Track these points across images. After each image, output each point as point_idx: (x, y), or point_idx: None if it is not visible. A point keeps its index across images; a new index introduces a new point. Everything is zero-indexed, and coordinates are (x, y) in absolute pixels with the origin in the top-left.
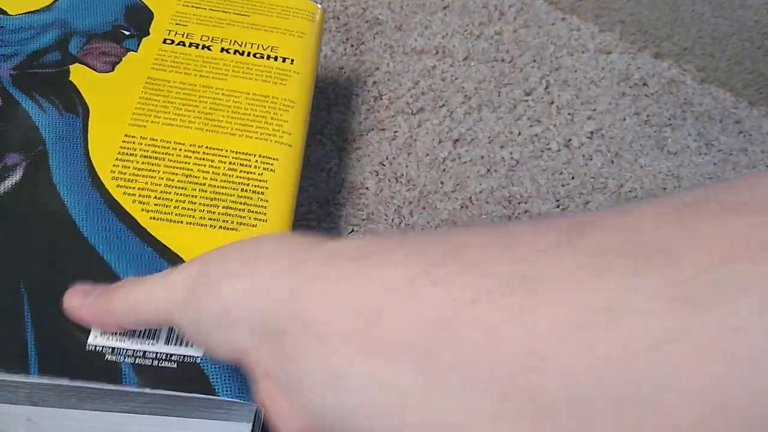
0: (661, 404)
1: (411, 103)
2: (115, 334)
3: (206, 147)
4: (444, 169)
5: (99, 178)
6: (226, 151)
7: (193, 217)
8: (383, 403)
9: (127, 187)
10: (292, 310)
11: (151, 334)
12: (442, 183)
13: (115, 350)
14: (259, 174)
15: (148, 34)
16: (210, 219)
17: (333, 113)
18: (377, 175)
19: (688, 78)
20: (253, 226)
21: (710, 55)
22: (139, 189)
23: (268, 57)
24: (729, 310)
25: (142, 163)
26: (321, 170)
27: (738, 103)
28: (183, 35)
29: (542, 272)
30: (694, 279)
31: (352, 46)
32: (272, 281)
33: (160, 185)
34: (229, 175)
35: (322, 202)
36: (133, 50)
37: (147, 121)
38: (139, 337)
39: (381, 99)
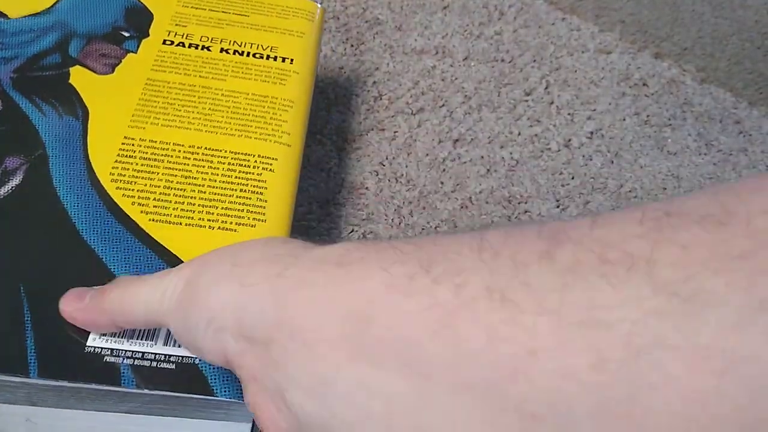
0: (658, 406)
1: (411, 103)
2: (114, 335)
3: (205, 148)
4: (444, 169)
5: (98, 180)
6: (226, 151)
7: (192, 218)
8: (370, 409)
9: (126, 189)
10: (279, 317)
11: (149, 335)
12: (442, 183)
13: (114, 351)
14: (258, 174)
15: (148, 35)
16: (209, 220)
17: (333, 113)
18: (377, 175)
19: (688, 78)
20: (252, 226)
21: (710, 55)
22: (138, 191)
23: (268, 57)
24: (712, 317)
25: (142, 164)
26: (321, 170)
27: (738, 103)
28: (183, 36)
29: (525, 283)
30: (676, 289)
31: (352, 46)
32: (259, 288)
33: (159, 187)
34: (228, 176)
35: (322, 202)
36: (132, 52)
37: (146, 122)
38: (137, 338)
39: (381, 99)
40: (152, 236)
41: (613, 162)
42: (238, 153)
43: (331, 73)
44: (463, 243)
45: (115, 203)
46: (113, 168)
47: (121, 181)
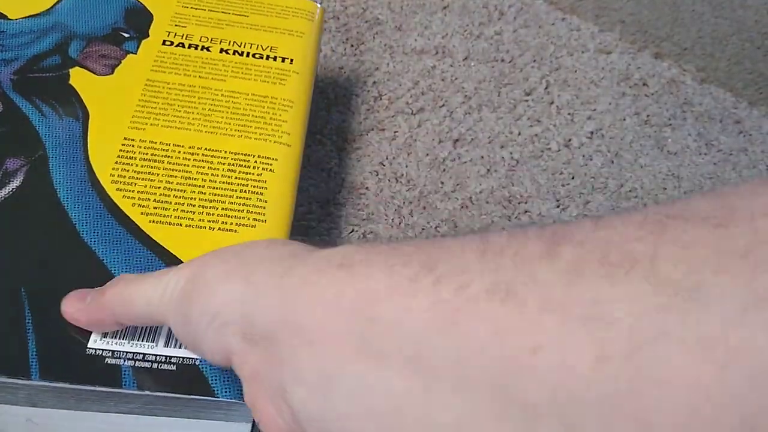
0: (661, 399)
1: (411, 103)
2: (115, 336)
3: (205, 148)
4: (444, 169)
5: (99, 181)
6: (226, 152)
7: (192, 219)
8: (375, 406)
9: (126, 191)
10: (284, 314)
11: (150, 336)
12: (442, 183)
13: (115, 353)
14: (258, 174)
15: (148, 36)
16: (209, 221)
17: (333, 113)
18: (377, 175)
19: (688, 78)
20: (252, 226)
21: (710, 55)
22: (138, 192)
23: (268, 57)
24: (714, 311)
25: (142, 166)
26: (321, 170)
27: (738, 103)
28: (182, 36)
29: (529, 280)
30: (678, 285)
31: (352, 46)
32: (263, 286)
33: (159, 188)
34: (228, 176)
35: (322, 202)
36: (132, 52)
37: (146, 123)
38: (138, 339)
39: (381, 99)
40: (152, 237)
41: (613, 162)
42: (238, 153)
43: (331, 73)
44: (466, 244)
45: (116, 204)
46: (113, 169)
47: (121, 182)
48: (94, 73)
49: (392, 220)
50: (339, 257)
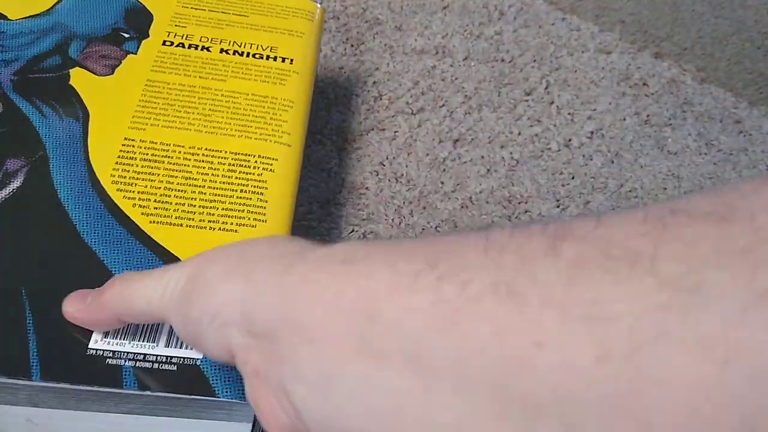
0: (661, 398)
1: (411, 103)
2: (115, 336)
3: (206, 149)
4: (444, 169)
5: (99, 182)
6: (226, 152)
7: (193, 219)
8: (375, 405)
9: (127, 191)
10: (285, 312)
11: (151, 337)
12: (442, 183)
13: (116, 354)
14: (258, 174)
15: (148, 36)
16: (209, 221)
17: (333, 113)
18: (377, 175)
19: (688, 78)
20: (252, 226)
21: (710, 55)
22: (138, 192)
23: (268, 57)
24: (715, 310)
25: (142, 166)
26: (321, 170)
27: (738, 103)
28: (182, 37)
29: (531, 277)
30: (678, 284)
31: (352, 46)
32: (263, 284)
33: (159, 188)
34: (229, 177)
35: (322, 202)
36: (132, 53)
37: (146, 124)
38: (139, 340)
39: (381, 99)
40: (153, 238)
41: (613, 162)
42: (239, 153)
43: (331, 73)
44: (468, 241)
45: (116, 205)
46: (114, 169)
47: (121, 182)
48: (95, 73)
49: (392, 220)
50: (340, 254)
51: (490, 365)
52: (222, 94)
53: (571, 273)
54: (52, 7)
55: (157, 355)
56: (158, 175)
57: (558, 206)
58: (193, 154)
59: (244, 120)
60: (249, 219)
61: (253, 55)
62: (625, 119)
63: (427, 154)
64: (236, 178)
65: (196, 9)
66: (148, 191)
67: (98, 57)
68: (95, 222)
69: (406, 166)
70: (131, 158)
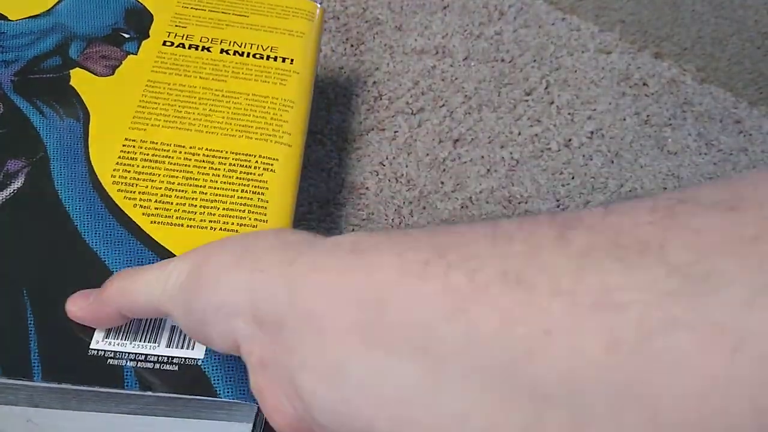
0: (670, 386)
1: (411, 103)
2: (116, 337)
3: (206, 149)
4: (444, 169)
5: (100, 182)
6: (226, 152)
7: (194, 219)
8: (384, 394)
9: (127, 191)
10: (292, 302)
11: (152, 337)
12: (442, 183)
13: (117, 354)
14: (259, 174)
15: (148, 36)
16: (210, 221)
17: (333, 113)
18: (377, 175)
19: (688, 78)
20: (253, 226)
21: (710, 55)
22: (139, 193)
23: (268, 57)
24: (724, 296)
25: (143, 166)
26: (321, 170)
27: (738, 103)
28: (183, 37)
29: (540, 266)
30: (687, 272)
31: (352, 46)
32: (272, 273)
33: (160, 189)
34: (229, 177)
35: (322, 202)
36: (133, 53)
37: (147, 124)
38: (140, 340)
39: (381, 99)
40: (154, 238)
41: (613, 162)
42: (239, 153)
43: (331, 73)
44: (477, 231)
45: (117, 205)
46: (114, 170)
47: (122, 182)
48: (95, 73)
49: (392, 220)
50: (348, 244)
51: (499, 353)
52: (222, 94)
53: (580, 261)
54: (52, 8)
55: (158, 356)
56: (159, 175)
57: (558, 206)
58: (193, 155)
59: (245, 120)
60: (250, 219)
61: (254, 56)
62: (625, 119)
63: (427, 154)
64: (237, 178)
65: (196, 9)
66: (148, 191)
67: (98, 57)
68: (96, 222)
69: (406, 166)
70: (132, 158)
